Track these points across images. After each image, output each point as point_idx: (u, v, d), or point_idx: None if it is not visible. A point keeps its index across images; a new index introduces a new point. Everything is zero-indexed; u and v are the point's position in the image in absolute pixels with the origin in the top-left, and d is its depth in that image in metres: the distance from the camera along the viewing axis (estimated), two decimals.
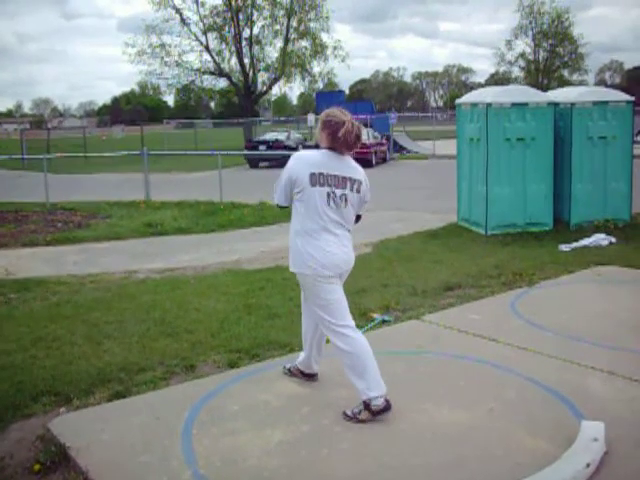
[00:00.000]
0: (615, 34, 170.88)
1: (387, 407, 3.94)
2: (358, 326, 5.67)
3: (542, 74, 64.79)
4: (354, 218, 4.10)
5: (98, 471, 3.43)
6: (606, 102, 10.18)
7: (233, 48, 41.02)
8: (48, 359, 5.12)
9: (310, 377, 4.58)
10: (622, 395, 4.24)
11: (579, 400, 4.14)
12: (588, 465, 3.30)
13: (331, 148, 3.94)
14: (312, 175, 3.87)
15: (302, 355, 4.58)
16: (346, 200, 3.94)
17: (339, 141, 3.88)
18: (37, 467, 3.55)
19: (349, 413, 3.98)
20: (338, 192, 3.91)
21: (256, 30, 41.18)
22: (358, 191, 3.99)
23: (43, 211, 14.24)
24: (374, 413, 3.92)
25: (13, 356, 5.21)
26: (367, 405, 3.93)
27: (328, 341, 5.14)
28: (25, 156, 25.96)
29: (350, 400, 4.06)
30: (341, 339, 4.00)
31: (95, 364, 4.98)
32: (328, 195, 3.90)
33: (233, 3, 39.75)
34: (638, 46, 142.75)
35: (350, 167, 3.99)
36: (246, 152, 27.51)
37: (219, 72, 41.62)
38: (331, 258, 3.93)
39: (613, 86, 76.23)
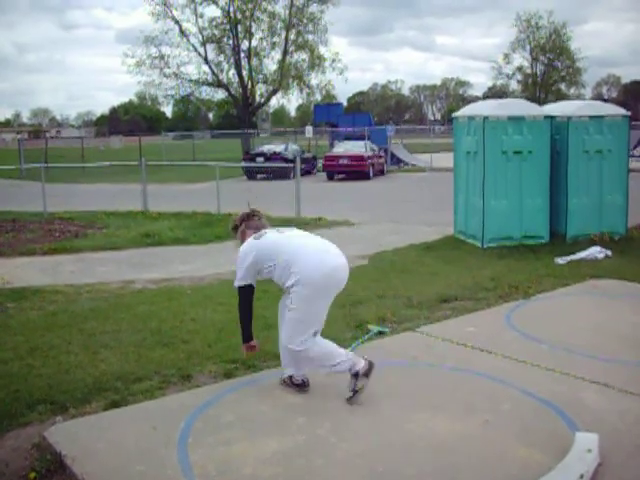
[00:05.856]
0: (611, 48, 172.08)
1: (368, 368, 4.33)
2: (354, 337, 5.74)
3: (540, 88, 65.17)
4: None
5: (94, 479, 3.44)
6: (602, 116, 10.25)
7: (232, 60, 41.25)
8: (44, 368, 5.13)
9: (302, 387, 4.59)
10: (616, 407, 4.26)
11: (573, 412, 4.17)
12: (582, 476, 3.32)
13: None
14: None
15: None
16: None
17: None
18: (33, 475, 3.56)
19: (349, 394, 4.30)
20: None
21: (254, 42, 41.48)
22: None
23: (40, 220, 14.24)
24: (364, 374, 4.29)
25: (9, 365, 5.22)
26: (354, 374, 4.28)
27: None
28: (23, 165, 25.98)
29: (346, 410, 4.07)
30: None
31: (91, 373, 4.99)
32: None
33: (232, 15, 39.99)
34: (634, 60, 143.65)
35: None
36: (244, 164, 27.58)
37: (217, 83, 41.80)
38: None
39: (610, 100, 76.69)
